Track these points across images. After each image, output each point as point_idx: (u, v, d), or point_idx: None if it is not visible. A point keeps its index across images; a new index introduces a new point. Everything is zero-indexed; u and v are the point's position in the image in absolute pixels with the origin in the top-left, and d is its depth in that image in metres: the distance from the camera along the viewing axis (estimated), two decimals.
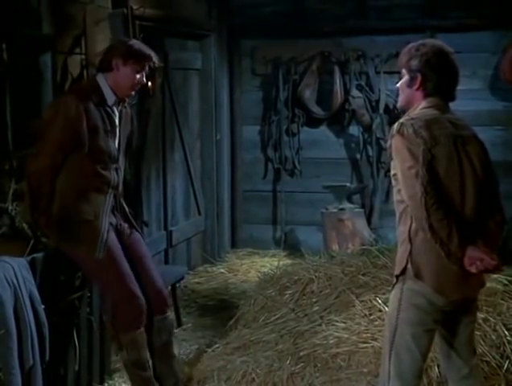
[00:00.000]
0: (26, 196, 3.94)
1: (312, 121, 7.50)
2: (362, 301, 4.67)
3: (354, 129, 7.46)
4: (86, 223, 3.87)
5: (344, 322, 4.53)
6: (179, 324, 5.43)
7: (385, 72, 7.17)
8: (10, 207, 4.08)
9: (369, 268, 5.04)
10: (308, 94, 7.33)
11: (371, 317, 4.51)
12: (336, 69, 7.26)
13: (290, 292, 5.02)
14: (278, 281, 5.21)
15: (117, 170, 4.01)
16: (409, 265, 3.07)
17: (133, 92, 4.02)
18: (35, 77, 4.56)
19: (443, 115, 3.14)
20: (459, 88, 3.19)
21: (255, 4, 7.45)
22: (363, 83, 7.28)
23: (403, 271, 3.11)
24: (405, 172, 3.00)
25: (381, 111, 7.20)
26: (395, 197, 3.16)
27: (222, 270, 7.06)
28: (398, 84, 3.26)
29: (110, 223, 3.96)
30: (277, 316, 4.83)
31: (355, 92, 7.24)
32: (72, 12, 4.94)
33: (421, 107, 3.15)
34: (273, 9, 7.42)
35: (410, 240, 3.08)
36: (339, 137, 7.54)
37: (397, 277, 3.16)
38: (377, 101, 7.21)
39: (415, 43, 3.20)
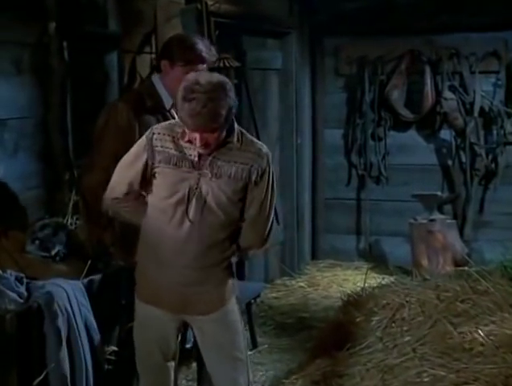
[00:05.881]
0: (82, 213, 3.76)
1: (400, 125, 7.34)
2: (461, 332, 4.20)
3: (446, 134, 7.26)
4: None
5: (440, 357, 4.06)
6: (255, 345, 5.27)
7: (480, 72, 7.02)
8: (69, 221, 3.89)
9: (469, 293, 4.60)
10: (396, 95, 7.20)
11: (472, 351, 4.04)
12: (427, 69, 7.10)
13: (377, 318, 4.63)
14: (365, 305, 4.86)
15: None
16: None
17: None
18: (99, 78, 4.51)
19: None
20: None
21: None
22: (456, 83, 7.11)
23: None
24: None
25: (475, 114, 7.02)
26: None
27: (302, 284, 6.97)
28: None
29: None
30: (363, 345, 4.44)
31: (447, 94, 7.07)
32: (141, 8, 4.88)
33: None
34: (358, 4, 7.20)
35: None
36: (429, 142, 7.36)
37: None
38: (472, 103, 7.02)
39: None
